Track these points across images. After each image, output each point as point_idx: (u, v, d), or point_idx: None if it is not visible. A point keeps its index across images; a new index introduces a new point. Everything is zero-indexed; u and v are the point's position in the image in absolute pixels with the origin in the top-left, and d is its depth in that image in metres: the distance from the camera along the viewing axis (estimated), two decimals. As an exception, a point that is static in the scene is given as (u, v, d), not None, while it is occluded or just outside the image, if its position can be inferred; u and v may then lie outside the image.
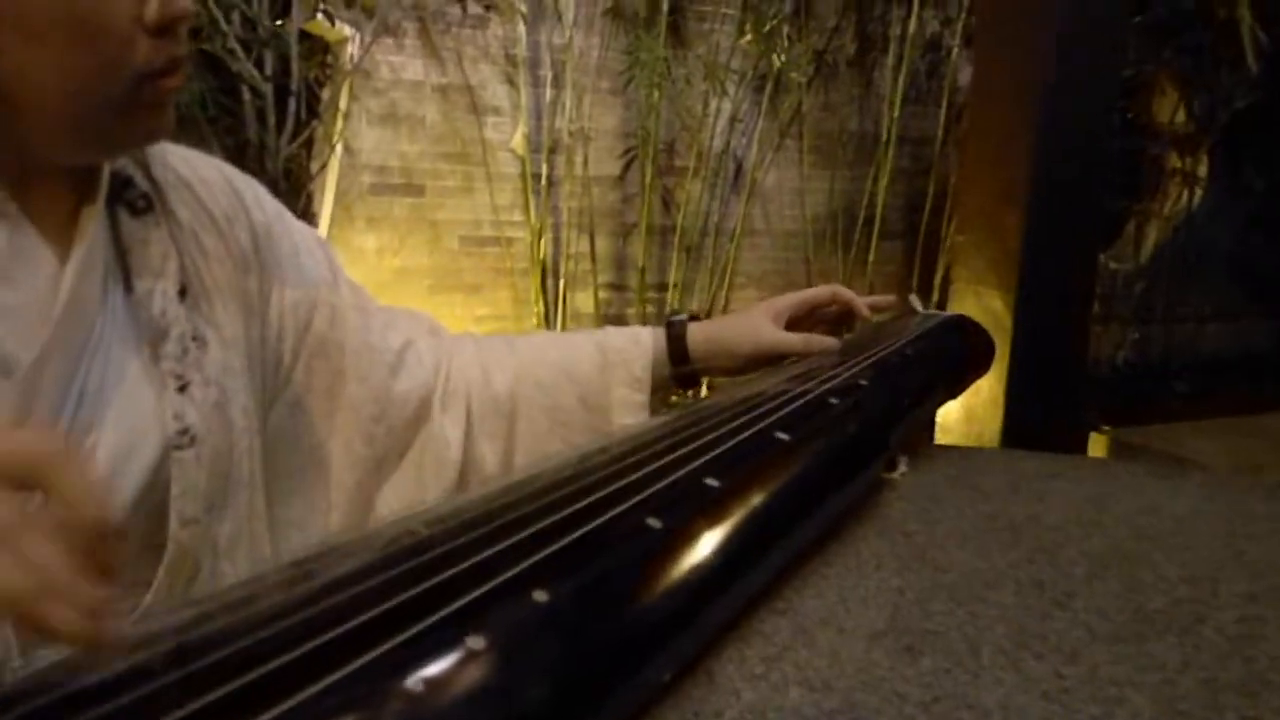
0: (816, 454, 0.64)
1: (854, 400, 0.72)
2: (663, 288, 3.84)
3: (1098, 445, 2.31)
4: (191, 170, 0.79)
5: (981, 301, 2.13)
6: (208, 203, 0.77)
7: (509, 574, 0.43)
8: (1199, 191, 4.59)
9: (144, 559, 0.70)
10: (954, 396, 0.96)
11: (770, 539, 0.56)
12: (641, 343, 0.93)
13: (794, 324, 0.96)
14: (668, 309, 3.74)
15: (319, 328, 0.84)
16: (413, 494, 0.89)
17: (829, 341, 0.92)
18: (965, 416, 2.22)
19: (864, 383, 0.76)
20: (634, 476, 0.52)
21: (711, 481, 0.54)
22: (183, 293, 0.73)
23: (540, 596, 0.42)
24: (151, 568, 0.70)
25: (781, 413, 0.66)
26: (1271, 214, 4.54)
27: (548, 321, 3.56)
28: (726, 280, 3.89)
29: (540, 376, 0.92)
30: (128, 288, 0.70)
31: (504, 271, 3.64)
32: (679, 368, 0.94)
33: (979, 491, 0.75)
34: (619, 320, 3.73)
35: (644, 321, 3.70)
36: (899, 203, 4.08)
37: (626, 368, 0.92)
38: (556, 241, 3.68)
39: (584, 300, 3.70)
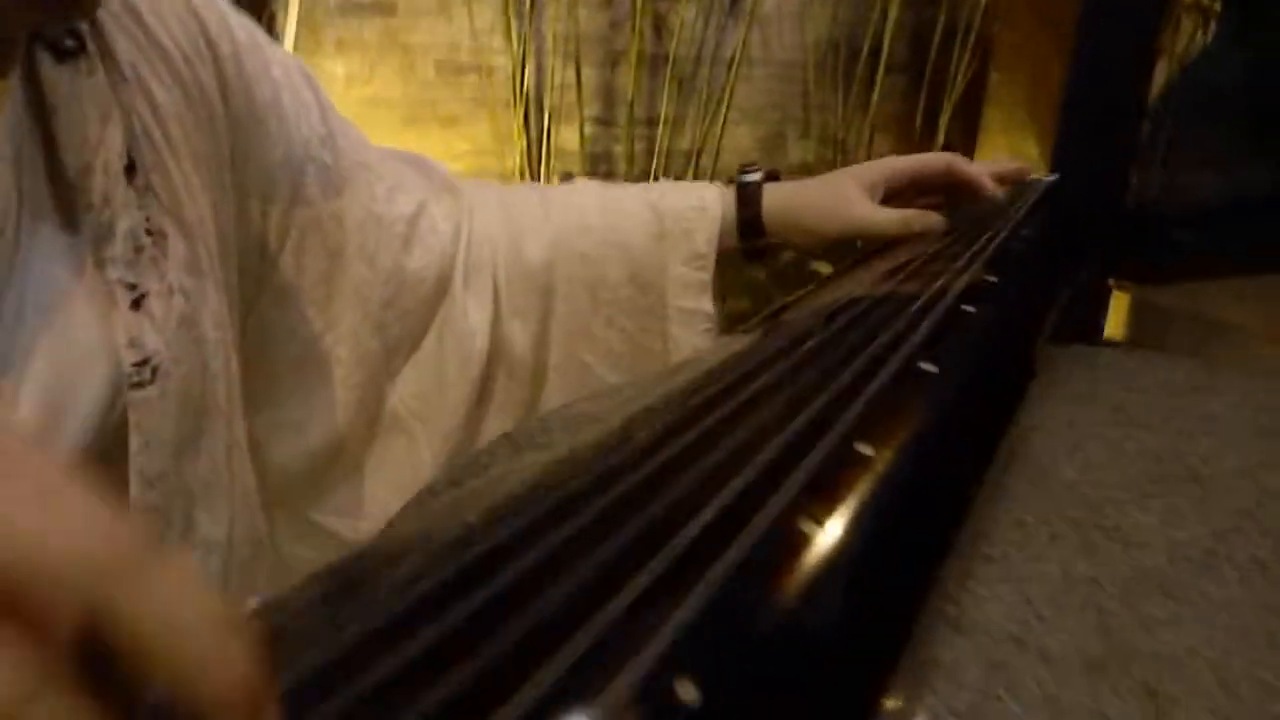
0: (970, 388, 0.50)
1: (992, 308, 0.57)
2: (652, 123, 3.62)
3: (1119, 305, 2.19)
4: None
5: (1014, 146, 1.97)
6: (159, 35, 0.59)
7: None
8: (1213, 26, 4.35)
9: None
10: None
11: (937, 517, 0.42)
12: (707, 210, 0.78)
13: (889, 196, 0.80)
14: (657, 145, 3.53)
15: (310, 195, 0.68)
16: (431, 384, 0.76)
17: (932, 221, 0.76)
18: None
19: (993, 279, 0.62)
20: (769, 453, 0.38)
21: (864, 449, 0.39)
22: (130, 169, 0.55)
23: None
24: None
25: (917, 335, 0.51)
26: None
27: (530, 160, 3.34)
28: (722, 115, 3.66)
29: (583, 247, 0.77)
30: (52, 168, 0.52)
31: (483, 103, 3.39)
32: (749, 242, 0.78)
33: (1125, 416, 0.62)
34: (605, 160, 3.52)
35: (631, 161, 3.49)
36: (905, 34, 3.83)
37: (688, 240, 0.77)
38: (540, 70, 3.42)
39: (569, 136, 3.48)
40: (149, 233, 0.56)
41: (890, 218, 0.77)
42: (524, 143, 3.40)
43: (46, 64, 0.53)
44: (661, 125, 3.59)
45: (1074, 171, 1.95)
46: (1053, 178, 0.91)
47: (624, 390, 0.60)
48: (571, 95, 3.45)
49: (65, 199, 0.53)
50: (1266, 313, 2.05)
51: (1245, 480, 0.54)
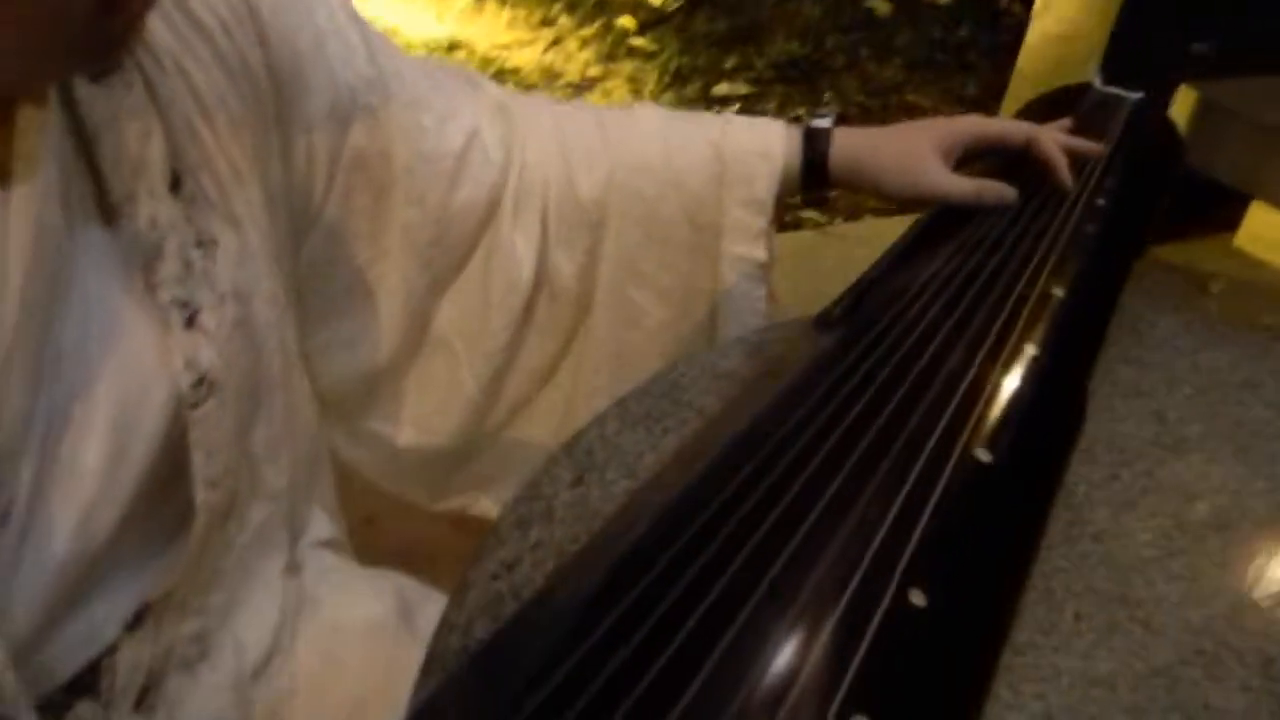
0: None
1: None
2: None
3: (1184, 102, 2.09)
4: None
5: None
6: (199, 13, 0.57)
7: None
8: None
9: (163, 534, 0.57)
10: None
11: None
12: (771, 156, 0.74)
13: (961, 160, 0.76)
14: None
15: (356, 141, 0.66)
16: (475, 308, 0.76)
17: (1003, 192, 0.72)
18: (1057, 67, 1.96)
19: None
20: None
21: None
22: (175, 184, 0.53)
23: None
24: (175, 542, 0.57)
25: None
26: None
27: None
28: None
29: (639, 184, 0.74)
30: (100, 196, 0.53)
31: None
32: (812, 192, 0.75)
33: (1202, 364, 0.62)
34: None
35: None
36: None
37: (748, 185, 0.74)
38: None
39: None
40: (199, 244, 0.56)
41: (964, 188, 0.73)
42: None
43: (82, 86, 0.52)
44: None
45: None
46: (1136, 96, 0.85)
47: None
48: None
49: (114, 225, 0.53)
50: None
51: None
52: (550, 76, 2.75)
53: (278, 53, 0.61)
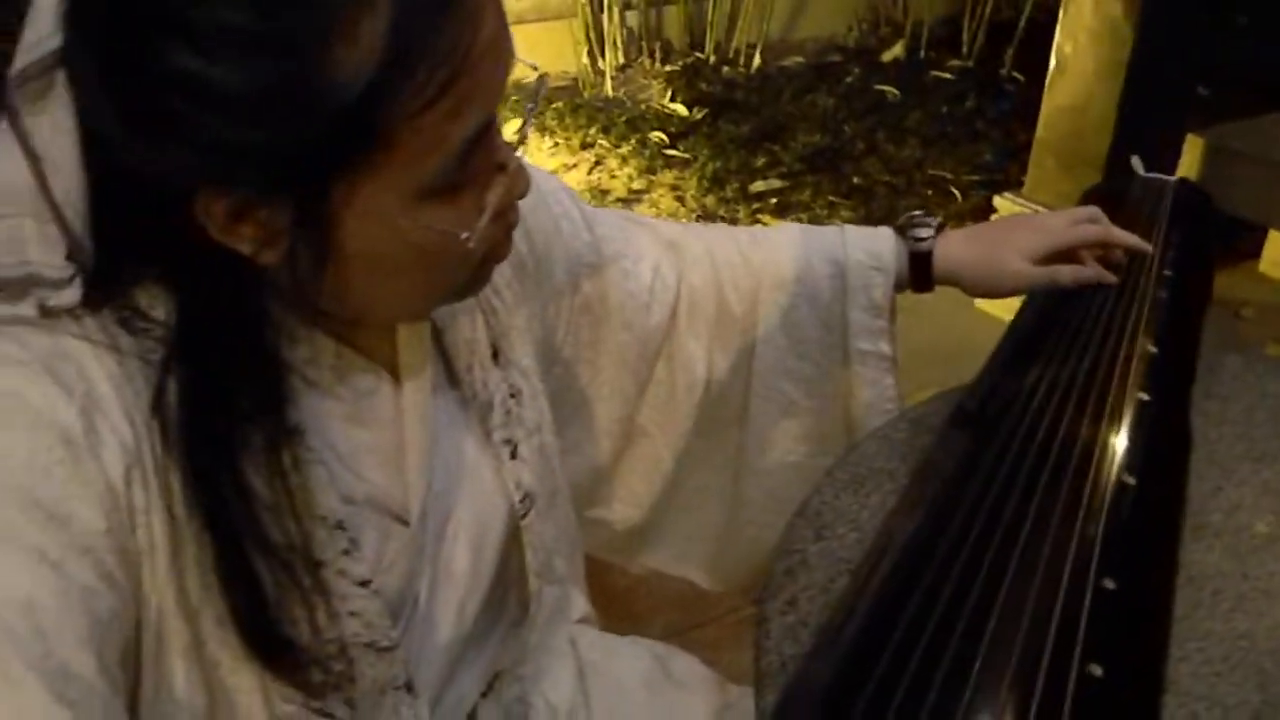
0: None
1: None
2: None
3: (1193, 150, 2.29)
4: None
5: (1100, 11, 2.03)
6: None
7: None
8: None
9: (506, 618, 0.75)
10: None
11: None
12: (884, 266, 0.91)
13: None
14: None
15: (584, 292, 0.86)
16: (665, 402, 0.95)
17: (1080, 273, 0.89)
18: (1072, 134, 2.17)
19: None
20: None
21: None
22: (495, 354, 0.74)
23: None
24: (515, 624, 0.75)
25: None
26: None
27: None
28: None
29: (778, 298, 0.93)
30: (448, 370, 0.73)
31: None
32: (919, 290, 0.93)
33: None
34: None
35: None
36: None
37: (866, 293, 0.92)
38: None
39: None
40: (511, 395, 0.75)
41: (1040, 275, 0.89)
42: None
43: None
44: None
45: (1160, 26, 2.02)
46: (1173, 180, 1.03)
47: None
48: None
49: (457, 389, 0.73)
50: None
51: None
52: (600, 194, 2.97)
53: (534, 242, 0.81)
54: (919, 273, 0.91)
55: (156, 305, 0.56)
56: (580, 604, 0.89)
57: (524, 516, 0.74)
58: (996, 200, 2.53)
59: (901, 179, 3.08)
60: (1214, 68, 2.20)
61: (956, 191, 3.01)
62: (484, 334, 0.74)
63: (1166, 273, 0.89)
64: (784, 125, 3.30)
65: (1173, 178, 1.02)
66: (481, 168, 0.57)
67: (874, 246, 0.92)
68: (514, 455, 0.74)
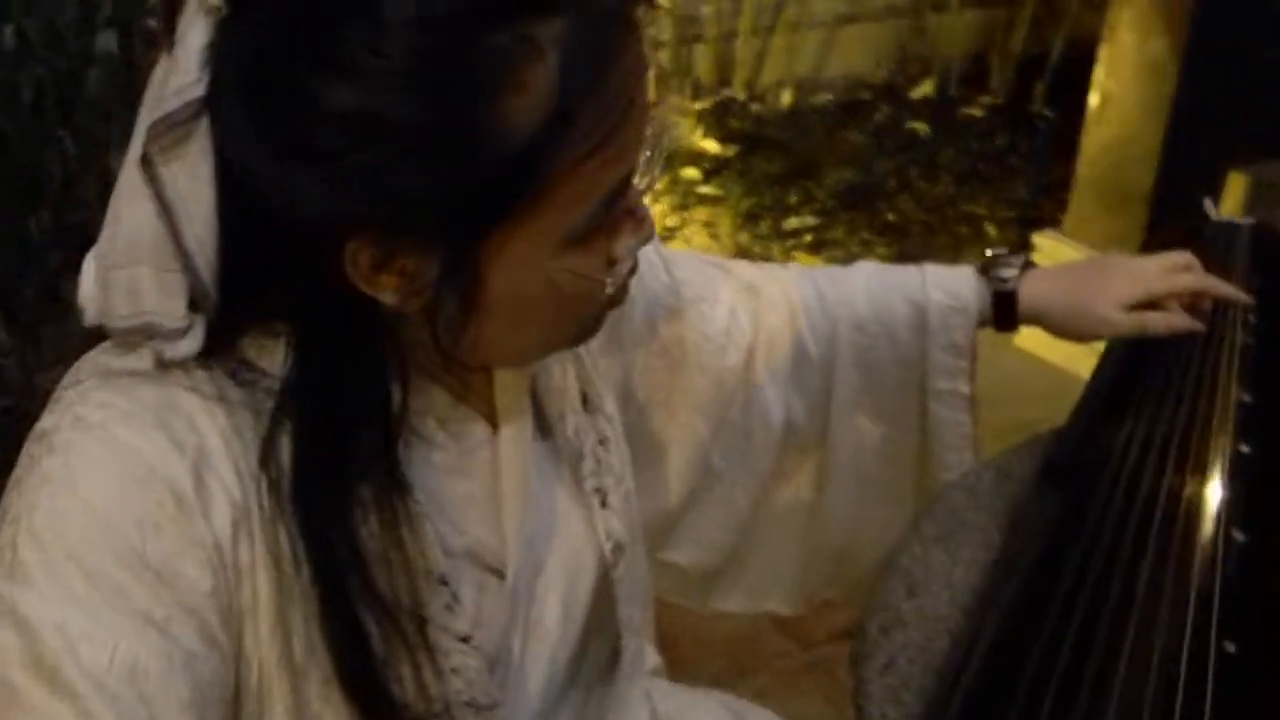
0: None
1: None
2: None
3: (1235, 187, 2.27)
4: None
5: (1143, 45, 2.02)
6: None
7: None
8: None
9: (595, 669, 0.74)
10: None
11: None
12: (965, 309, 0.89)
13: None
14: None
15: (661, 334, 0.86)
16: (740, 446, 0.93)
17: (1174, 321, 0.86)
18: (1115, 172, 2.16)
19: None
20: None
21: None
22: (584, 400, 0.74)
23: None
24: (602, 675, 0.74)
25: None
26: None
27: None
28: None
29: (855, 339, 0.92)
30: (539, 417, 0.71)
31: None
32: (1003, 329, 0.91)
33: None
34: (693, 23, 3.48)
35: (719, 22, 3.44)
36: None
37: (946, 333, 0.90)
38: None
39: None
40: (600, 442, 0.74)
41: (1131, 323, 0.86)
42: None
43: None
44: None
45: (1205, 63, 2.00)
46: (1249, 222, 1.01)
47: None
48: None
49: (549, 437, 0.72)
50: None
51: None
52: (633, 232, 2.98)
53: None
54: (1003, 311, 0.89)
55: (264, 357, 0.56)
56: (652, 655, 0.88)
57: (615, 567, 0.73)
58: (1036, 238, 2.51)
59: (935, 216, 3.07)
60: (1257, 103, 2.19)
61: (991, 229, 3.00)
62: (574, 380, 0.73)
63: (1251, 319, 0.88)
64: (816, 162, 3.29)
65: (1246, 220, 1.01)
66: (619, 214, 0.57)
67: (955, 287, 0.90)
68: (604, 504, 0.72)
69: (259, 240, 0.53)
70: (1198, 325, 0.86)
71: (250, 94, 0.50)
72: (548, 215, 0.53)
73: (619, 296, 0.62)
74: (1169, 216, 2.09)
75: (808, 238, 2.93)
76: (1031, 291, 0.89)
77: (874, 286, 0.93)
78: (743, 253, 2.87)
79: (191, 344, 0.54)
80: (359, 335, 0.56)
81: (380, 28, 0.48)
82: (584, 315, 0.61)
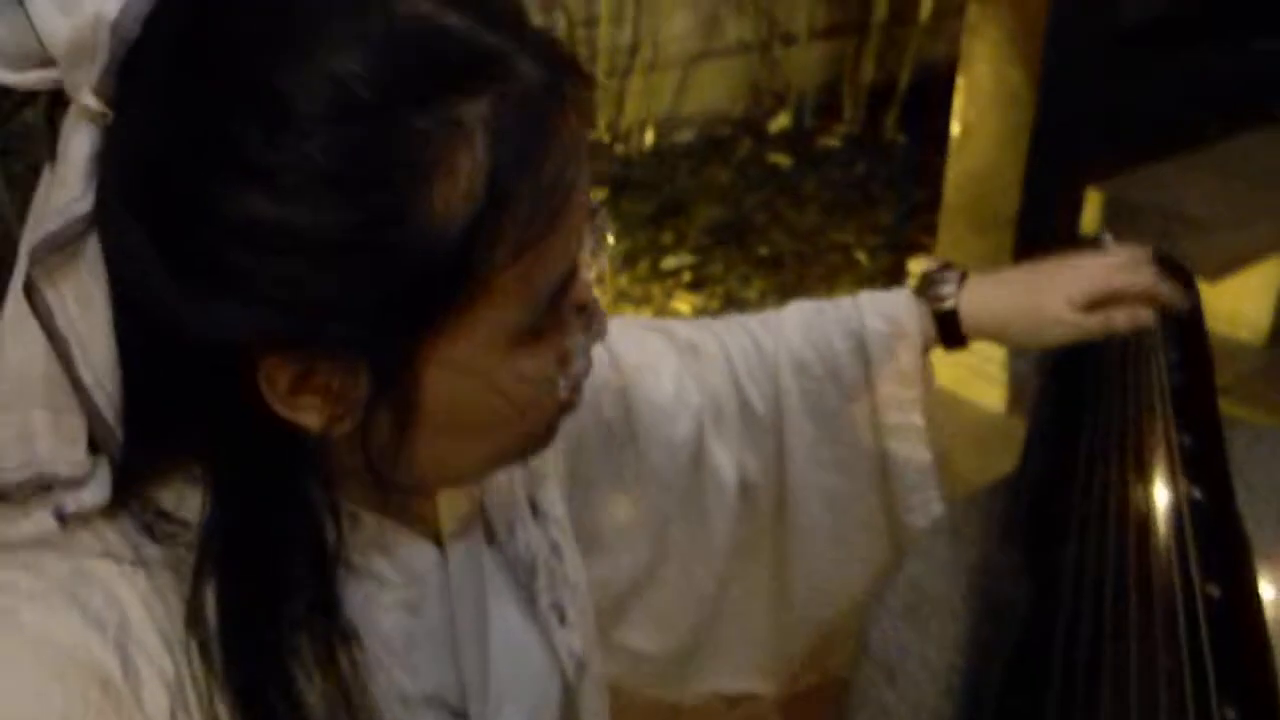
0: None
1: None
2: (590, 23, 3.53)
3: (1093, 205, 2.37)
4: None
5: (999, 75, 2.09)
6: None
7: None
8: None
9: None
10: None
11: None
12: (907, 335, 0.85)
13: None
14: (598, 44, 3.46)
15: (605, 411, 0.80)
16: (698, 515, 0.89)
17: (1139, 315, 0.84)
18: (980, 198, 2.23)
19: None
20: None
21: None
22: (534, 509, 0.69)
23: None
24: None
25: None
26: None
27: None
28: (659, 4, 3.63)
29: (801, 384, 0.88)
30: (488, 530, 0.66)
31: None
32: (951, 347, 0.88)
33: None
34: None
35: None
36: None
37: (893, 362, 0.86)
38: None
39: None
40: (553, 550, 0.69)
41: (1094, 321, 0.82)
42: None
43: None
44: (601, 24, 3.57)
45: (1060, 90, 2.08)
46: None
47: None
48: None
49: (500, 549, 0.66)
50: (1208, 193, 2.26)
51: None
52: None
53: None
54: (947, 330, 0.85)
55: (184, 506, 0.49)
56: None
57: (578, 685, 0.67)
58: (911, 264, 2.57)
59: (808, 246, 3.11)
60: (1115, 125, 2.30)
61: (862, 255, 3.06)
62: (521, 487, 0.68)
63: (1173, 354, 0.88)
64: (685, 200, 3.31)
65: (1105, 235, 0.99)
66: (565, 310, 0.52)
67: (892, 312, 0.86)
68: (562, 621, 0.67)
69: (163, 367, 0.47)
70: (1151, 318, 0.84)
71: (143, 206, 0.44)
72: (488, 315, 0.48)
73: (573, 400, 0.57)
74: (1035, 239, 2.16)
75: (686, 276, 2.93)
76: (974, 304, 0.84)
77: (810, 325, 0.88)
78: (622, 295, 2.85)
79: (96, 493, 0.47)
80: (282, 467, 0.50)
81: (288, 124, 0.43)
82: (535, 423, 0.56)
